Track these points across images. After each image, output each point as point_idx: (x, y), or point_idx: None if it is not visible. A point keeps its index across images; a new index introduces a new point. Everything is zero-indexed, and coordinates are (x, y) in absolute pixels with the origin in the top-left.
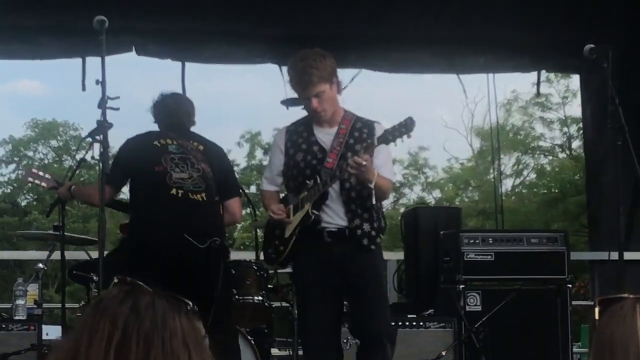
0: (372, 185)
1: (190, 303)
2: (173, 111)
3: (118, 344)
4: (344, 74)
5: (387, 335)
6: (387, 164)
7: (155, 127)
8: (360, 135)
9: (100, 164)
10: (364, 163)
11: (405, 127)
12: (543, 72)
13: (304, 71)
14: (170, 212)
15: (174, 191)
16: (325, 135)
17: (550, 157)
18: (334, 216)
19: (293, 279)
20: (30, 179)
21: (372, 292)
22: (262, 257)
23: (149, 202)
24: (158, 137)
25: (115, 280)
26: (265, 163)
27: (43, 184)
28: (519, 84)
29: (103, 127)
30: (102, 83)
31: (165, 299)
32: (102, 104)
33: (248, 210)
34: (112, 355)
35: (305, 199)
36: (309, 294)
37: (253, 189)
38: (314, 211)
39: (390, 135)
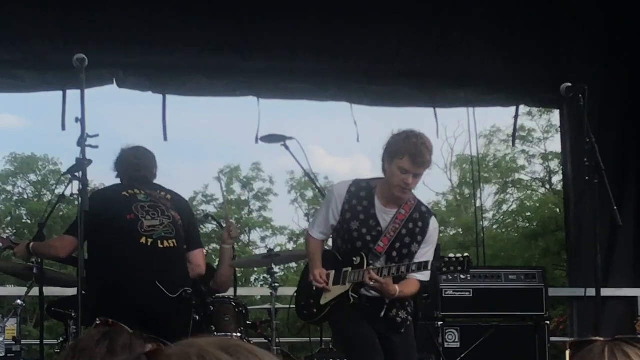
0: (387, 301)
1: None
2: (135, 165)
3: None
4: (325, 107)
5: None
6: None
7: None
8: (414, 227)
9: (79, 200)
10: (382, 281)
11: (461, 266)
12: (522, 106)
13: (422, 150)
14: (140, 261)
15: (143, 240)
16: (383, 215)
17: (530, 192)
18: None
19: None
20: None
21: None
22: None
23: (120, 250)
24: (126, 188)
25: (98, 322)
26: (243, 198)
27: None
28: (499, 117)
29: (82, 164)
30: (82, 121)
31: (144, 341)
32: (82, 142)
33: None
34: None
35: (348, 277)
36: (351, 317)
37: None
38: (354, 295)
39: (445, 268)
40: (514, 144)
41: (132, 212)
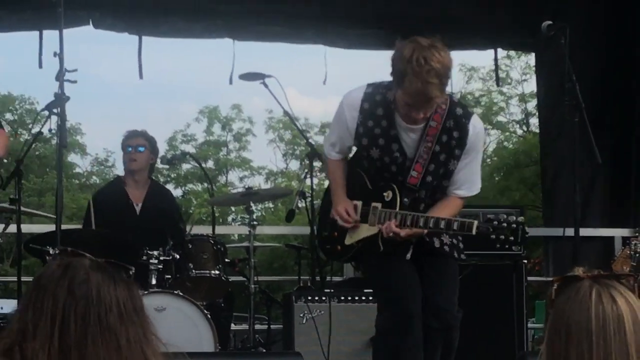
0: (413, 240)
1: (133, 268)
2: None
3: (60, 325)
4: (298, 48)
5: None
6: (469, 178)
7: None
8: (449, 140)
9: (58, 137)
10: (402, 235)
11: (514, 236)
12: (499, 50)
13: (429, 83)
14: None
15: None
16: (409, 134)
17: (508, 134)
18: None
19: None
20: None
21: (445, 271)
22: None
23: None
24: None
25: (57, 251)
26: (223, 139)
27: None
28: (478, 57)
29: (61, 99)
30: (60, 55)
31: (101, 271)
32: (60, 77)
33: (205, 185)
34: (57, 335)
35: (378, 217)
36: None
37: (210, 163)
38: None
39: (494, 235)
40: (498, 84)
41: None
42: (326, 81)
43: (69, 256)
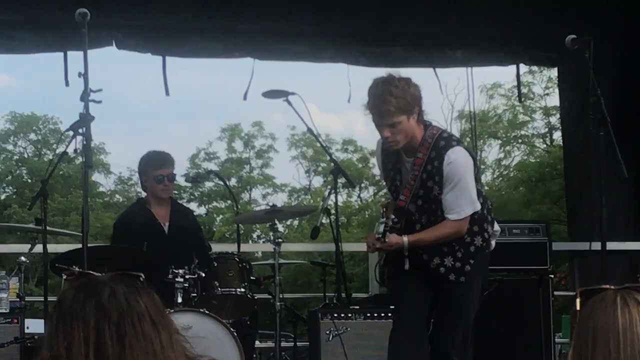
0: (405, 253)
1: (142, 275)
2: None
3: (95, 344)
4: (324, 68)
5: (453, 347)
6: (455, 202)
7: None
8: (432, 168)
9: (84, 157)
10: (378, 246)
11: (382, 232)
12: (521, 65)
13: (383, 98)
14: None
15: None
16: (406, 165)
17: (532, 147)
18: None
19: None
20: None
21: (448, 312)
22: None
23: None
24: None
25: (65, 277)
26: (245, 156)
27: None
28: (500, 72)
29: (86, 119)
30: (85, 75)
31: (122, 282)
32: (85, 97)
33: (228, 202)
34: (92, 355)
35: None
36: (403, 282)
37: (233, 181)
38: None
39: (381, 236)
40: (520, 100)
41: None
42: (350, 99)
43: (80, 277)
